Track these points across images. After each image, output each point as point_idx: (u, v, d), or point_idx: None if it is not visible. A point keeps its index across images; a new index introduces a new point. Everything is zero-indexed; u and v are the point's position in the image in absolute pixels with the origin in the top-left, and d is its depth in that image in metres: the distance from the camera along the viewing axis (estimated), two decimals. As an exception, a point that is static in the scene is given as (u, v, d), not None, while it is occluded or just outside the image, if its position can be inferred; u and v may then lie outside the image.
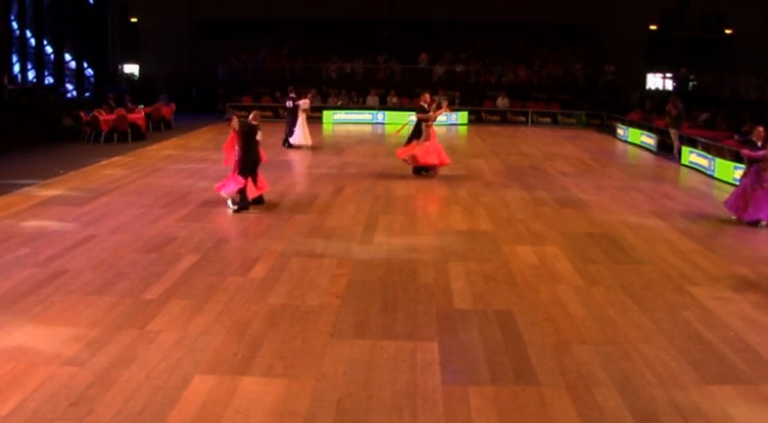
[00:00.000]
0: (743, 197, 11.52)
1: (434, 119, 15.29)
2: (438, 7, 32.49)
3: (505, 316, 7.01)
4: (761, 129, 11.47)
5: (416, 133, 15.36)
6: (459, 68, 31.66)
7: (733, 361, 6.05)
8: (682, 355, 6.13)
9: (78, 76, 30.08)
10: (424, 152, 14.99)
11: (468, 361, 5.97)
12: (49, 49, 28.40)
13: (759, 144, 11.38)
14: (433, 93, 30.24)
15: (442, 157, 15.21)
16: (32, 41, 27.37)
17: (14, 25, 25.92)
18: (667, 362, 6.00)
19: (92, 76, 30.59)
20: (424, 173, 15.29)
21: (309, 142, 20.17)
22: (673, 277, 8.43)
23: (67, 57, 29.53)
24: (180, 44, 34.29)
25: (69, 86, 29.26)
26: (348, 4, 32.60)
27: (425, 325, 6.76)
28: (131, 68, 35.44)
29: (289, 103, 20.50)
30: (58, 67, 28.81)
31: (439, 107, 15.62)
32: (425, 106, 15.37)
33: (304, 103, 20.13)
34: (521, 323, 6.83)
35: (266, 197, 12.01)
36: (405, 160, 15.41)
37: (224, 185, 11.61)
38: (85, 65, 30.45)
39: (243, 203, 11.37)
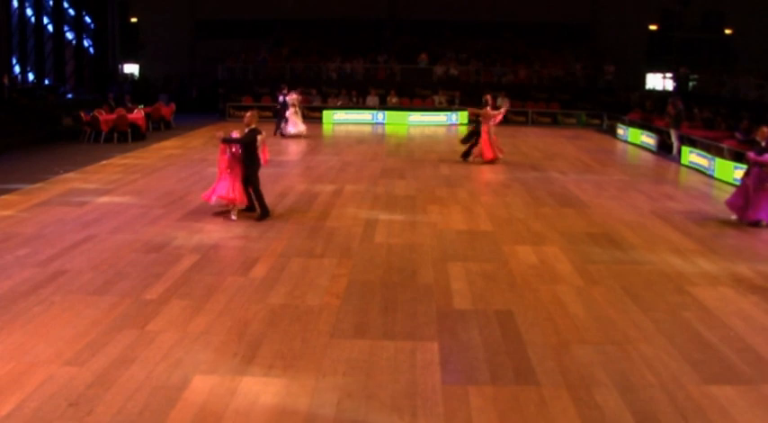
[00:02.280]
0: (744, 197, 11.50)
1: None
2: (438, 7, 32.52)
3: (505, 316, 7.01)
4: (766, 129, 11.44)
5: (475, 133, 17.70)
6: (458, 69, 31.64)
7: (733, 361, 6.05)
8: (682, 355, 6.13)
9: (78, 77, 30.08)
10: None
11: (468, 361, 5.97)
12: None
13: (763, 144, 11.36)
14: (434, 92, 30.50)
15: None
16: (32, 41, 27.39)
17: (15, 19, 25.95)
18: (667, 362, 6.00)
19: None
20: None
21: (303, 130, 22.52)
22: (673, 277, 8.43)
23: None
24: (180, 44, 34.31)
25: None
26: (348, 4, 32.61)
27: (425, 325, 6.76)
28: (131, 68, 35.44)
29: (281, 98, 23.15)
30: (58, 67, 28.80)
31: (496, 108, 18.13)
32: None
33: (292, 98, 22.66)
34: (521, 323, 6.83)
35: (266, 197, 11.90)
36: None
37: (214, 191, 10.95)
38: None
39: (264, 211, 10.95)
